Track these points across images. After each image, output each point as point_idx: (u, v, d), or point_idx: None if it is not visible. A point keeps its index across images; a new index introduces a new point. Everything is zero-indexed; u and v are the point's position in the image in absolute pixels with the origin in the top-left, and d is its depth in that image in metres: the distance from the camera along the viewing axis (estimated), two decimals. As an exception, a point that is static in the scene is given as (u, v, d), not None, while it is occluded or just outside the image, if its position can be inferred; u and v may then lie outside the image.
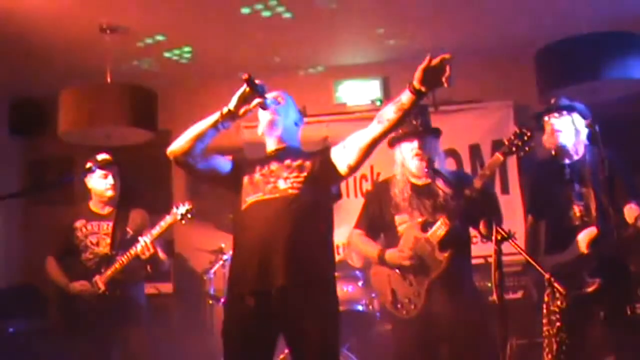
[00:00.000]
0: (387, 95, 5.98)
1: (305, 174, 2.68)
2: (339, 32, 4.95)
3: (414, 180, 3.28)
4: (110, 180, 4.04)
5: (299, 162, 2.72)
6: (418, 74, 2.36)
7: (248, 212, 2.69)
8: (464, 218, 3.15)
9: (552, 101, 3.53)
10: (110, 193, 4.07)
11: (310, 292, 2.55)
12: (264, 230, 2.59)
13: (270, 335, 2.62)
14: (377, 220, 3.38)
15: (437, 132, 3.37)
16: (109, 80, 4.60)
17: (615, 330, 3.31)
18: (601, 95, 4.46)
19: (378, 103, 5.97)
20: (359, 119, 5.95)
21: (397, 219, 3.27)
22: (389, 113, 2.51)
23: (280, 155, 2.78)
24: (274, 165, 2.74)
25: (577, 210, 3.33)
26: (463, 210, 3.07)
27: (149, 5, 4.31)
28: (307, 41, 5.10)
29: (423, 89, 2.38)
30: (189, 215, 3.81)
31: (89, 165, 3.84)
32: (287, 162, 2.73)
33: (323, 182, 2.71)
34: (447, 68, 2.30)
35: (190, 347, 5.19)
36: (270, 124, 2.78)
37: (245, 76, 2.50)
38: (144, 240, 3.78)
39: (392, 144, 3.33)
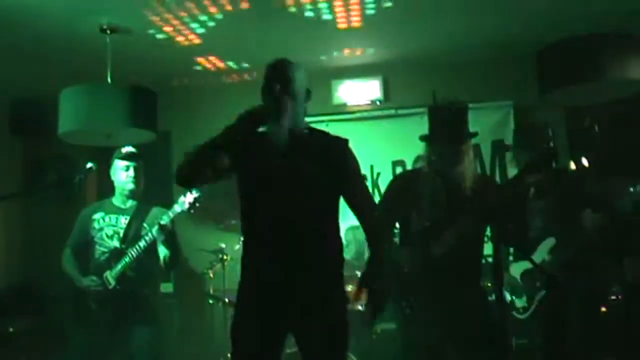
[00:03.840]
0: (387, 95, 5.98)
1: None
2: (339, 32, 4.94)
3: (442, 180, 3.12)
4: (131, 172, 3.99)
5: None
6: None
7: None
8: (482, 219, 3.09)
9: None
10: (131, 186, 3.99)
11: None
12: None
13: (280, 333, 2.62)
14: (394, 213, 3.25)
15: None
16: (109, 80, 4.59)
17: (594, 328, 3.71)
18: (601, 95, 4.46)
19: (378, 103, 5.98)
20: (358, 119, 5.97)
21: (414, 216, 3.18)
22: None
23: None
24: None
25: (538, 221, 3.76)
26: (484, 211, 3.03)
27: (149, 4, 4.30)
28: (307, 40, 5.09)
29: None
30: (197, 204, 3.77)
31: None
32: None
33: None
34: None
35: (190, 347, 5.20)
36: None
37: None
38: (158, 222, 3.74)
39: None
